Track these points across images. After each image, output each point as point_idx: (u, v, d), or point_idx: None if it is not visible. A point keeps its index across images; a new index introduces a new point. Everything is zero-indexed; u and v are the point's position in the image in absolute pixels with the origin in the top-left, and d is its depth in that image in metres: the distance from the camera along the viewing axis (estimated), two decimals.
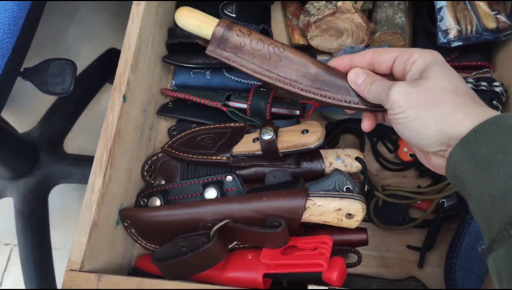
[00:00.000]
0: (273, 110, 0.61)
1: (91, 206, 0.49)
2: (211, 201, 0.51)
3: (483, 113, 0.37)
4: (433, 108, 0.38)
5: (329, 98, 0.48)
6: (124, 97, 0.54)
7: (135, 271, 0.58)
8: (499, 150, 0.33)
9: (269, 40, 0.50)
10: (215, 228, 0.47)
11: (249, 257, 0.47)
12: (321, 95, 0.48)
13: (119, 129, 0.53)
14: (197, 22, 0.51)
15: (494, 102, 0.60)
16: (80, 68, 1.01)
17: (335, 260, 0.44)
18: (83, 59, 1.05)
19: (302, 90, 0.48)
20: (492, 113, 0.37)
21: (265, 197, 0.48)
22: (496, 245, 0.32)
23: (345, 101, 0.47)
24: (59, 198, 1.05)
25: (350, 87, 0.47)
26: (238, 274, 0.47)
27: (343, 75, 0.47)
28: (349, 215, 0.49)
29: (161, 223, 0.52)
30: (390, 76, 0.45)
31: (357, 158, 0.57)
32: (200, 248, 0.46)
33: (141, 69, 0.58)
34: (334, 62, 0.48)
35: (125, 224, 0.55)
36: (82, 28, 1.27)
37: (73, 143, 1.07)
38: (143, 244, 0.57)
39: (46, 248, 0.90)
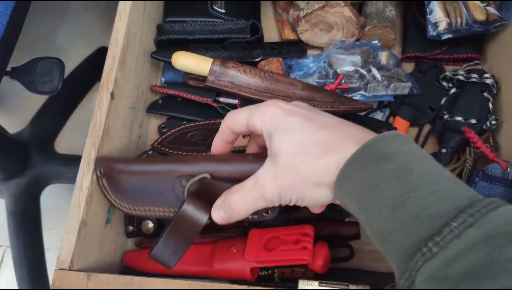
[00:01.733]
0: None
1: (79, 205, 0.48)
2: (193, 157, 0.46)
3: (346, 147, 0.33)
4: (298, 186, 0.35)
5: (317, 105, 0.58)
6: (112, 95, 0.53)
7: (126, 269, 0.57)
8: (374, 186, 0.30)
9: (259, 69, 0.60)
10: (190, 181, 0.42)
11: (234, 251, 0.47)
12: (310, 104, 0.54)
13: (107, 127, 0.52)
14: (195, 61, 0.59)
15: (485, 94, 0.60)
16: (71, 67, 1.01)
17: (318, 248, 0.44)
18: (74, 58, 1.04)
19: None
20: (355, 142, 0.33)
21: (251, 156, 0.42)
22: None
23: (330, 106, 0.58)
24: (51, 198, 1.04)
25: (332, 98, 0.58)
26: (226, 265, 0.47)
27: (324, 89, 0.59)
28: None
29: (137, 175, 0.47)
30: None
31: None
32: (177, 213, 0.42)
33: (129, 66, 0.58)
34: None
35: (98, 173, 0.50)
36: (72, 27, 1.26)
37: (64, 143, 1.06)
38: (112, 200, 0.50)
39: (38, 248, 0.90)
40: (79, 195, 0.49)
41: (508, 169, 0.52)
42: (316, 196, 0.35)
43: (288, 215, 0.54)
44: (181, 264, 0.51)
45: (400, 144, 0.32)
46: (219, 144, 0.43)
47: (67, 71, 0.96)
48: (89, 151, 0.51)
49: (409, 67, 0.67)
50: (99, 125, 0.52)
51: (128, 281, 0.45)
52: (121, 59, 0.55)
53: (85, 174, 0.50)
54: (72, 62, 1.00)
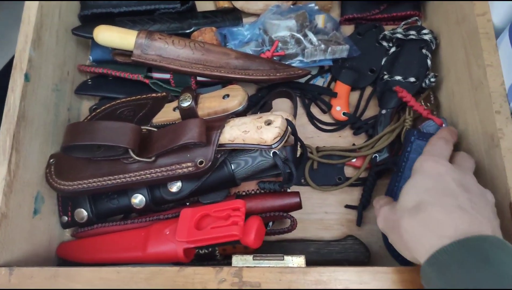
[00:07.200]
0: (199, 78, 0.58)
1: None
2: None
3: (448, 231, 0.34)
4: (393, 233, 0.39)
5: (252, 75, 0.54)
6: (26, 76, 0.49)
7: (64, 262, 0.54)
8: (472, 280, 0.31)
9: (189, 39, 0.56)
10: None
11: (167, 233, 0.45)
12: (245, 74, 0.54)
13: (23, 111, 0.48)
14: (119, 35, 0.55)
15: (424, 51, 0.58)
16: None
17: (249, 223, 0.42)
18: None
19: (228, 72, 0.54)
20: (459, 230, 0.34)
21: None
22: None
23: (266, 74, 0.54)
24: None
25: (268, 65, 0.55)
26: (159, 249, 0.45)
27: (259, 58, 0.56)
28: (269, 123, 0.46)
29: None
30: None
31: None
32: None
33: (46, 44, 0.54)
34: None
35: (50, 161, 0.53)
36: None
37: None
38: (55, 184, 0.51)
39: None
40: None
41: (443, 125, 0.51)
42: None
43: (229, 191, 0.51)
44: (113, 252, 0.48)
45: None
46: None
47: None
48: (3, 138, 0.47)
49: (349, 29, 0.65)
50: (13, 110, 0.48)
51: (53, 272, 0.42)
52: (35, 37, 0.51)
53: (1, 163, 0.46)
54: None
